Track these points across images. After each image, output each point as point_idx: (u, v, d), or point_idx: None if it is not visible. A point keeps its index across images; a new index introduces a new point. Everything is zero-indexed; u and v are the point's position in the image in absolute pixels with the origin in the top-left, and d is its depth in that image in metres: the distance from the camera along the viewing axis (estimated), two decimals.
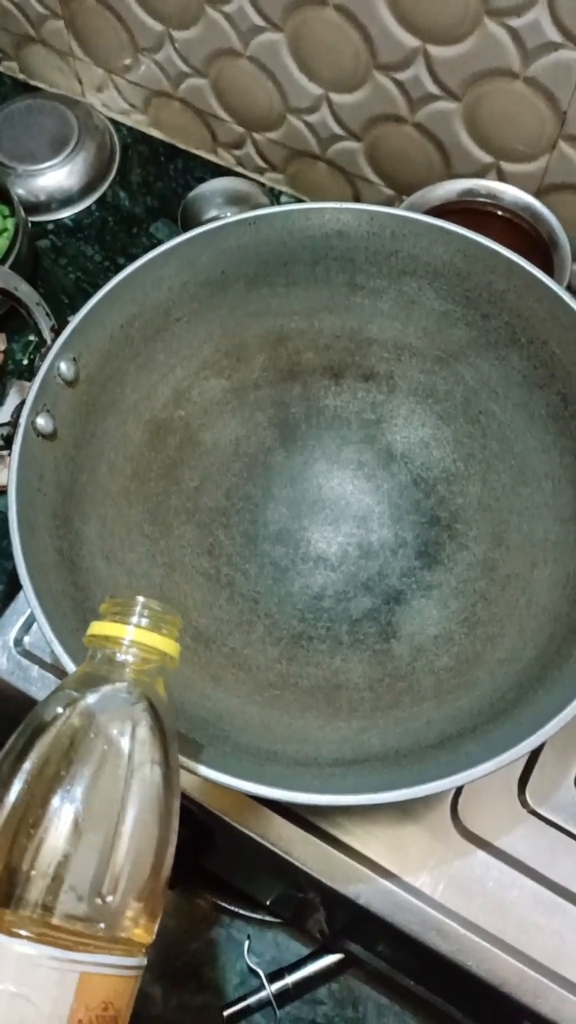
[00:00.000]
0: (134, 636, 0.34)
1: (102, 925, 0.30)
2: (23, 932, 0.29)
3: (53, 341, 0.46)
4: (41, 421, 0.45)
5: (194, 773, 0.38)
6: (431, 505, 0.53)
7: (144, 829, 0.31)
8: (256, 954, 0.56)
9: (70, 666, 0.40)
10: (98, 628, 0.35)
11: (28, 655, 0.52)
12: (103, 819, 0.30)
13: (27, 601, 0.41)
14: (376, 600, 0.51)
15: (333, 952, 0.54)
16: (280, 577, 0.52)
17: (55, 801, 0.30)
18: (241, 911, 0.55)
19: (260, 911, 0.55)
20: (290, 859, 0.47)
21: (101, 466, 0.49)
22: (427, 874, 0.47)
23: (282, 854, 0.47)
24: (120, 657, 0.34)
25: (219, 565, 0.51)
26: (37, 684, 0.51)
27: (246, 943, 0.55)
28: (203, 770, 0.38)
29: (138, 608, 0.34)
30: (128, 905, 0.30)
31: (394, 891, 0.46)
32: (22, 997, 0.28)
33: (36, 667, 0.51)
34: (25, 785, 0.31)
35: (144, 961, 0.32)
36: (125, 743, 0.32)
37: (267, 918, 0.55)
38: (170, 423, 0.52)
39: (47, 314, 0.46)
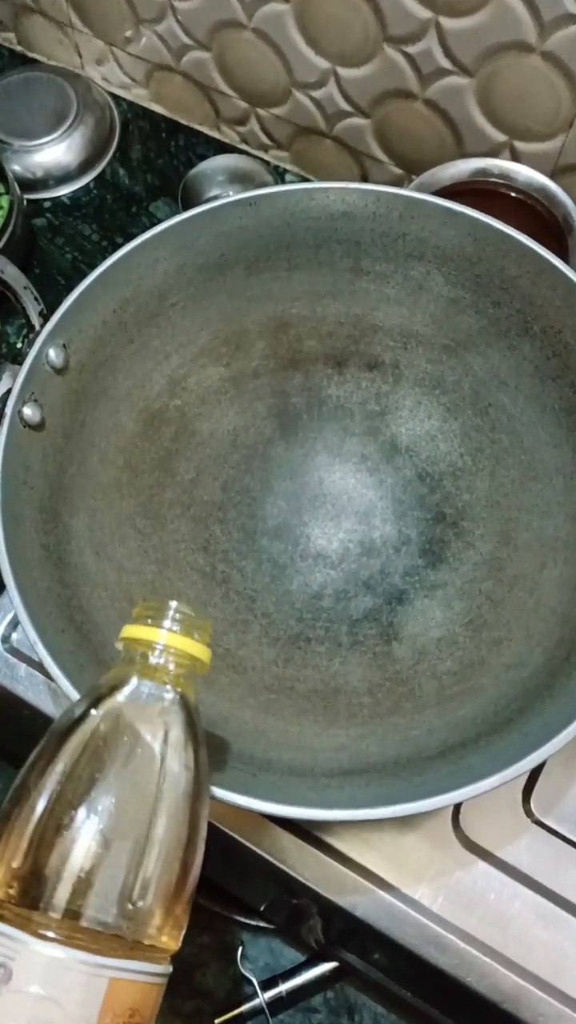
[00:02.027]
0: (167, 640, 0.34)
1: (130, 930, 0.29)
2: (51, 934, 0.28)
3: (41, 327, 0.44)
4: (28, 411, 0.43)
5: None
6: (436, 501, 0.51)
7: (174, 834, 0.31)
8: (250, 960, 0.55)
9: (54, 669, 0.38)
10: (132, 631, 0.35)
11: (16, 653, 0.50)
12: (134, 823, 0.30)
13: (10, 600, 0.40)
14: (377, 600, 0.49)
15: (329, 960, 0.52)
16: (278, 574, 0.50)
17: (86, 804, 0.30)
18: (234, 916, 0.54)
19: (254, 917, 0.54)
20: (284, 868, 0.45)
21: (91, 457, 0.47)
22: (426, 885, 0.45)
23: (276, 863, 0.46)
24: (153, 660, 0.34)
25: (214, 561, 0.49)
26: (25, 683, 0.49)
27: (239, 949, 0.53)
28: None
29: (171, 612, 0.34)
30: (156, 911, 0.30)
31: (392, 903, 0.45)
32: (50, 1000, 0.28)
33: (24, 665, 0.50)
34: (57, 786, 0.30)
35: (169, 969, 0.31)
36: (157, 747, 0.32)
37: (261, 924, 0.54)
38: (165, 412, 0.50)
39: (35, 298, 0.44)
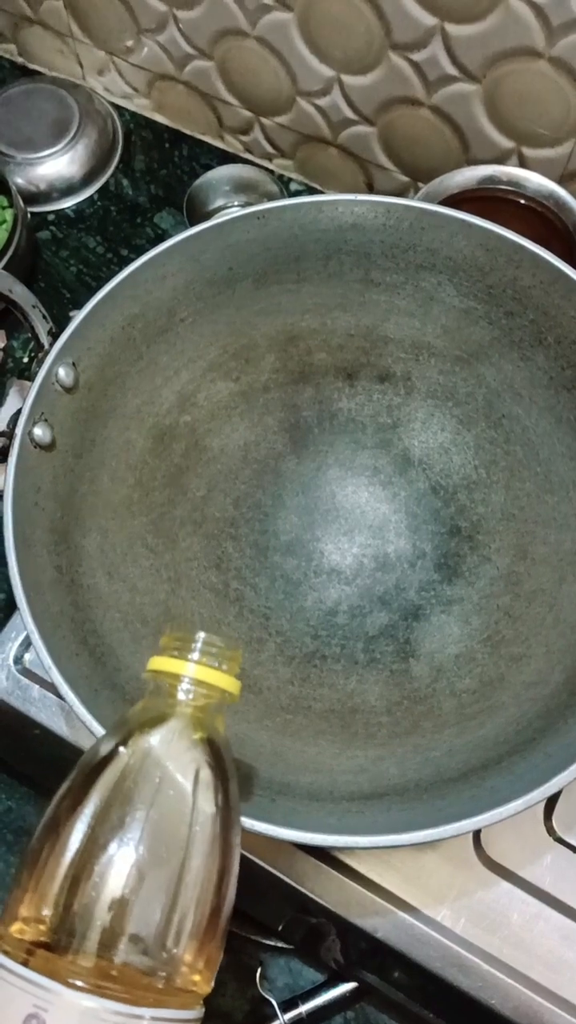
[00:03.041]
0: (195, 674, 0.33)
1: (162, 975, 0.28)
2: (81, 983, 0.27)
3: (51, 346, 0.44)
4: (39, 431, 0.43)
5: None
6: (451, 514, 0.50)
7: (207, 875, 0.30)
8: (269, 981, 0.54)
9: (70, 695, 0.38)
10: (158, 664, 0.34)
11: (28, 674, 0.49)
12: (167, 866, 0.29)
13: (24, 624, 0.39)
14: (393, 616, 0.48)
15: (349, 980, 0.52)
16: (292, 591, 0.49)
17: (117, 846, 0.29)
18: (252, 936, 0.53)
19: (272, 937, 0.53)
20: (302, 890, 0.45)
21: (102, 476, 0.46)
22: (448, 906, 0.44)
23: (294, 884, 0.45)
24: (181, 696, 0.33)
25: (227, 579, 0.49)
26: (38, 704, 0.49)
27: (258, 969, 0.53)
28: None
29: (199, 645, 0.33)
30: (190, 953, 0.29)
31: (413, 924, 0.44)
32: None
33: (37, 687, 0.49)
34: (87, 829, 0.30)
35: (202, 1012, 0.30)
36: (188, 786, 0.31)
37: (279, 944, 0.53)
38: (175, 429, 0.50)
39: (44, 317, 0.43)
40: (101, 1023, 0.27)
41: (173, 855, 0.30)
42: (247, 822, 0.35)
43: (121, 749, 0.32)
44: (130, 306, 0.46)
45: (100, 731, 0.36)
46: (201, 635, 0.33)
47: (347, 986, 0.52)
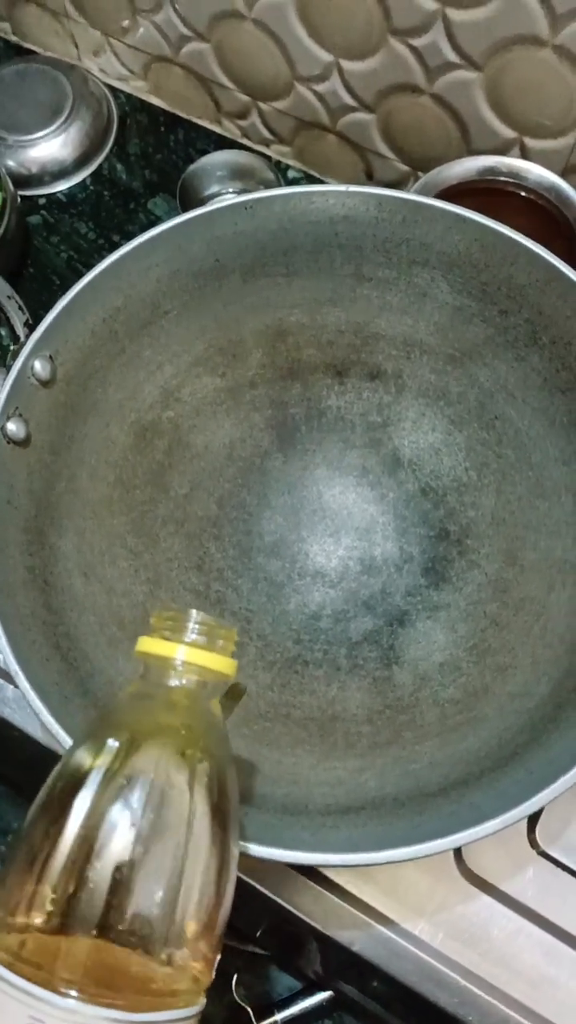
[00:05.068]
0: (187, 656, 0.31)
1: (164, 973, 0.28)
2: (74, 992, 0.26)
3: (27, 338, 0.42)
4: (12, 427, 0.42)
5: None
6: (440, 517, 0.49)
7: (207, 870, 0.29)
8: (245, 987, 0.53)
9: (36, 702, 0.37)
10: (148, 645, 0.32)
11: (2, 674, 0.48)
12: (168, 852, 0.28)
13: None
14: (378, 621, 0.47)
15: (326, 989, 0.51)
16: (275, 594, 0.48)
17: (115, 846, 0.28)
18: (228, 942, 0.52)
19: (248, 943, 0.52)
20: (278, 900, 0.44)
21: (80, 473, 0.45)
22: (426, 920, 0.43)
23: (270, 895, 0.44)
24: (174, 679, 0.31)
25: (209, 580, 0.48)
26: (12, 705, 0.48)
27: (234, 976, 0.52)
28: None
29: (191, 624, 0.32)
30: (190, 953, 0.28)
31: (391, 938, 0.43)
32: None
33: (11, 687, 0.48)
34: (81, 830, 0.28)
35: (202, 1007, 0.29)
36: (183, 783, 0.30)
37: (256, 950, 0.52)
38: (158, 425, 0.48)
39: (20, 308, 0.42)
40: None
41: (172, 842, 0.28)
42: None
43: (110, 741, 0.30)
44: (112, 298, 0.45)
45: (68, 741, 0.35)
46: (194, 614, 0.32)
47: (323, 995, 0.51)
